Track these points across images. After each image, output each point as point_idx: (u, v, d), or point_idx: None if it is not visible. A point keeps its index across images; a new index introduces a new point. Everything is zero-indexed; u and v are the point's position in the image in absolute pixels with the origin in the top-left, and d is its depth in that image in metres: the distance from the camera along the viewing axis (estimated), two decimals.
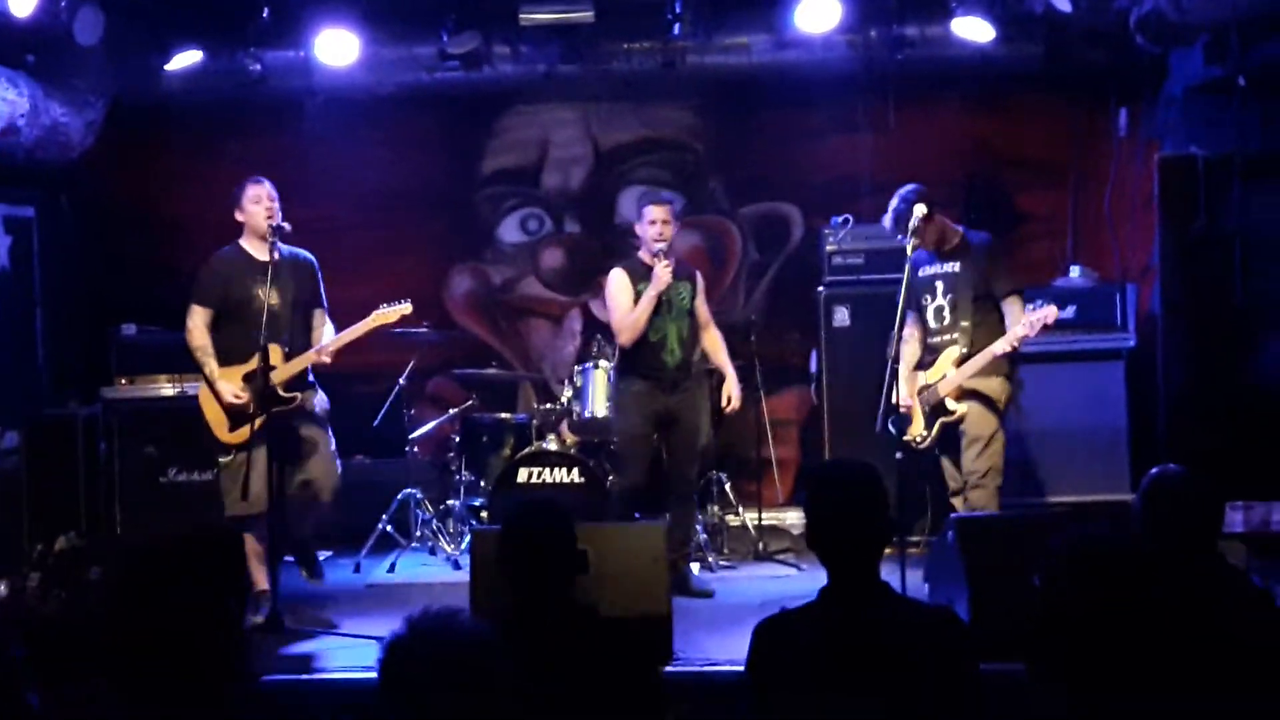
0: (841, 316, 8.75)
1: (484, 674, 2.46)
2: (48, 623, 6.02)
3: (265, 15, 8.31)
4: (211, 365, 6.89)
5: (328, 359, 6.91)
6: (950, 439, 7.01)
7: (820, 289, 8.80)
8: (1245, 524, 7.17)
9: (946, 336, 7.00)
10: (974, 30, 8.25)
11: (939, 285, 7.04)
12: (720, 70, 9.08)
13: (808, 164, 9.79)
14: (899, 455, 6.43)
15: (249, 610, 6.53)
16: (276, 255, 6.86)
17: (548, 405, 8.61)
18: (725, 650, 6.26)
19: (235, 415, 6.83)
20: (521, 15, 8.46)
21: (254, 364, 6.78)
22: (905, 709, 3.29)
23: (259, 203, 6.90)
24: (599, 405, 8.15)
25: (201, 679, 3.07)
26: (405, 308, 7.04)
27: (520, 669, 2.52)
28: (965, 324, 6.90)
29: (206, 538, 3.34)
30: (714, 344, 7.65)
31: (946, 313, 7.00)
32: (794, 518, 8.67)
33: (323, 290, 7.19)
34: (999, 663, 3.49)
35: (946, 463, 7.12)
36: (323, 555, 8.11)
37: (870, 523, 3.50)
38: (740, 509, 8.78)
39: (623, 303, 7.43)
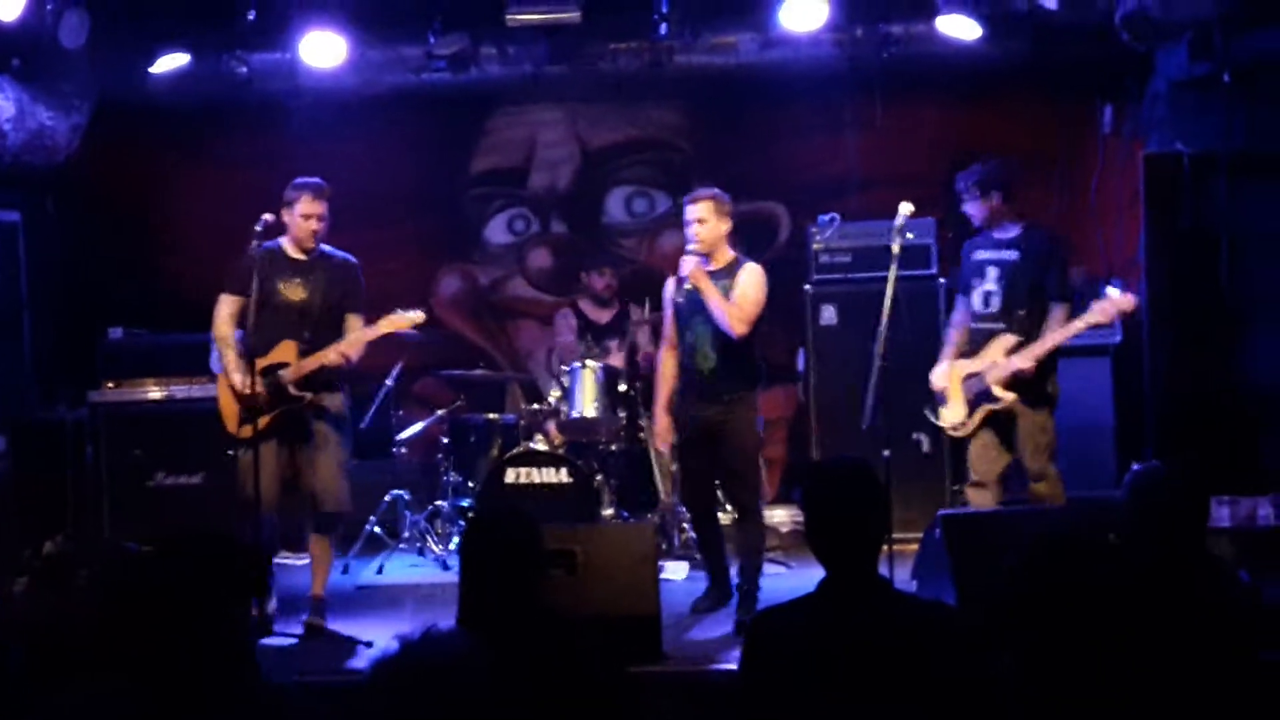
0: (828, 315, 8.76)
1: (471, 696, 2.46)
2: (37, 627, 6.01)
3: (251, 17, 8.30)
4: (230, 356, 6.84)
5: (341, 359, 6.82)
6: (995, 426, 6.98)
7: (807, 287, 8.81)
8: (1231, 519, 7.18)
9: (992, 324, 6.99)
10: (959, 28, 8.26)
11: (992, 271, 7.03)
12: (707, 70, 9.07)
13: (794, 162, 9.80)
14: (886, 453, 6.43)
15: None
16: (303, 254, 6.87)
17: (535, 405, 8.63)
18: (714, 650, 6.29)
19: (246, 410, 6.73)
20: (508, 16, 8.44)
21: (271, 358, 6.78)
22: (905, 704, 3.30)
23: (309, 219, 6.87)
24: (587, 405, 8.16)
25: (205, 682, 3.07)
26: (418, 316, 6.97)
27: (497, 677, 2.53)
28: (1021, 312, 6.89)
29: (210, 543, 3.34)
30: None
31: (996, 299, 7.00)
32: (782, 515, 8.66)
33: (361, 296, 7.06)
34: (987, 656, 3.50)
35: (975, 451, 7.04)
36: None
37: (869, 519, 3.51)
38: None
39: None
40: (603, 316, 9.07)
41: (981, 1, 8.25)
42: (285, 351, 6.82)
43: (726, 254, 7.00)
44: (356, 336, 6.88)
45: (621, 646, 5.68)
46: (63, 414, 8.71)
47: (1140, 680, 3.14)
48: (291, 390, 6.80)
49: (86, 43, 7.96)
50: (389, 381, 8.66)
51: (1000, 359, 6.84)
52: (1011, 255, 6.99)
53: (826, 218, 8.80)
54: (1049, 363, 6.87)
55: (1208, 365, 8.09)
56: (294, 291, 6.86)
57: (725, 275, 6.94)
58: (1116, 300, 6.70)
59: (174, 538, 3.34)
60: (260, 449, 6.66)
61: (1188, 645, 3.62)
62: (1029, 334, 6.84)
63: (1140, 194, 8.45)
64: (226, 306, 6.95)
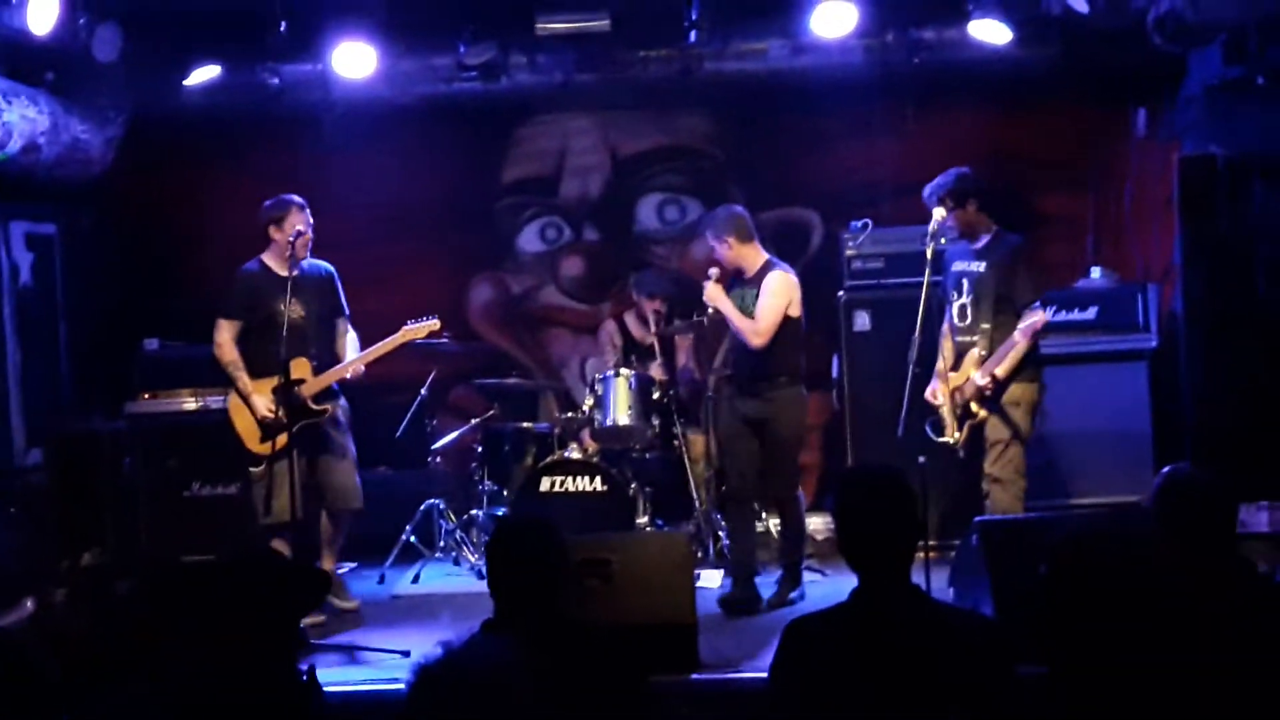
0: (862, 321, 8.74)
1: (514, 703, 2.47)
2: (76, 638, 6.05)
3: (283, 29, 8.32)
4: (244, 379, 7.04)
5: (354, 375, 7.13)
6: (979, 441, 6.96)
7: (840, 294, 8.79)
8: (1270, 524, 7.13)
9: (967, 337, 6.95)
10: (991, 33, 8.23)
11: (965, 283, 7.02)
12: (737, 76, 9.05)
13: (826, 169, 9.77)
14: (921, 460, 6.41)
15: None
16: (296, 271, 7.01)
17: (569, 414, 8.63)
18: (749, 658, 6.27)
19: (267, 427, 6.96)
20: (538, 25, 8.48)
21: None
22: (936, 714, 3.28)
23: (304, 234, 7.09)
24: (620, 413, 8.16)
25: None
26: (433, 324, 7.19)
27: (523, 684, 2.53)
28: (985, 326, 6.84)
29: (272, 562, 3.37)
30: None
31: (969, 311, 6.97)
32: (817, 523, 8.62)
33: (344, 299, 7.35)
34: (1023, 664, 3.48)
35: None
36: (347, 567, 8.17)
37: (901, 527, 3.51)
38: (763, 514, 8.77)
39: None
40: (647, 337, 9.04)
41: (1013, 6, 8.23)
42: (299, 369, 7.04)
43: (757, 260, 7.33)
44: (372, 350, 7.15)
45: (658, 655, 5.72)
46: (99, 425, 8.76)
47: (1169, 687, 3.12)
48: (312, 405, 7.05)
49: (120, 56, 8.01)
50: (423, 391, 8.68)
51: (973, 372, 6.81)
52: (979, 266, 6.96)
53: (859, 224, 8.77)
54: (1022, 373, 6.78)
55: (1245, 368, 8.03)
56: (294, 310, 7.03)
57: (754, 283, 7.27)
58: (1032, 320, 6.61)
59: (238, 555, 3.38)
60: (283, 464, 6.93)
61: (1218, 651, 3.58)
62: (994, 347, 6.78)
63: (1175, 198, 8.40)
64: (227, 331, 7.17)
